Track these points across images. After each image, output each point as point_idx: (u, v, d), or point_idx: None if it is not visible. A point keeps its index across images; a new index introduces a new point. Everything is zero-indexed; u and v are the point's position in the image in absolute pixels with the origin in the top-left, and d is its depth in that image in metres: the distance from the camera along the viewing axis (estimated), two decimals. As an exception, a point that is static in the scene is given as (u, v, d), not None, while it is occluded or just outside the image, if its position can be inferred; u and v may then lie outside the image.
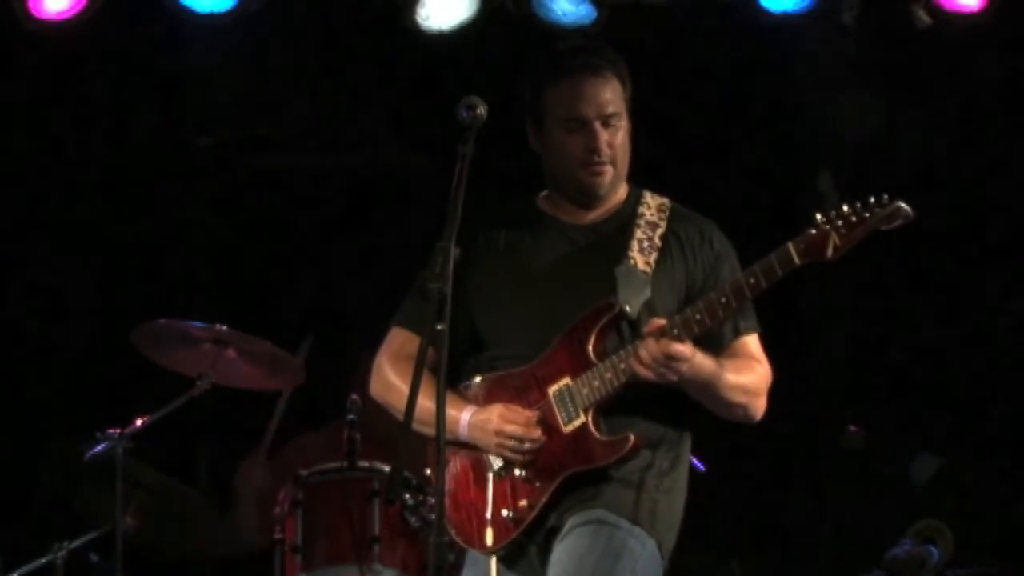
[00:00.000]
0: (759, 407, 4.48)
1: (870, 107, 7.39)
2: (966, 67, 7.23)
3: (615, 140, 4.48)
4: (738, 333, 4.45)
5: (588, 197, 4.53)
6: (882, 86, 7.39)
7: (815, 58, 7.24)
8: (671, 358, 4.23)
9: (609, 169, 4.49)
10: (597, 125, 4.45)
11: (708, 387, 4.36)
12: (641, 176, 4.62)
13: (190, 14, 6.85)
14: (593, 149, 4.45)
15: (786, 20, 6.85)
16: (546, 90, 4.51)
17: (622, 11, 6.88)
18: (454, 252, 4.04)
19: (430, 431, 4.14)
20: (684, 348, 4.23)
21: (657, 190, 4.63)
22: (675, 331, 4.25)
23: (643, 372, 4.26)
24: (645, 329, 4.28)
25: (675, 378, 4.27)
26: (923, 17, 6.82)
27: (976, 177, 7.44)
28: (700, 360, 4.31)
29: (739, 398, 4.42)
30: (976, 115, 7.37)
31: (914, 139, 7.43)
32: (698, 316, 4.26)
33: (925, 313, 7.55)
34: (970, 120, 7.37)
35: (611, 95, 4.47)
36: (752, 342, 4.50)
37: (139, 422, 5.89)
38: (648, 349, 4.23)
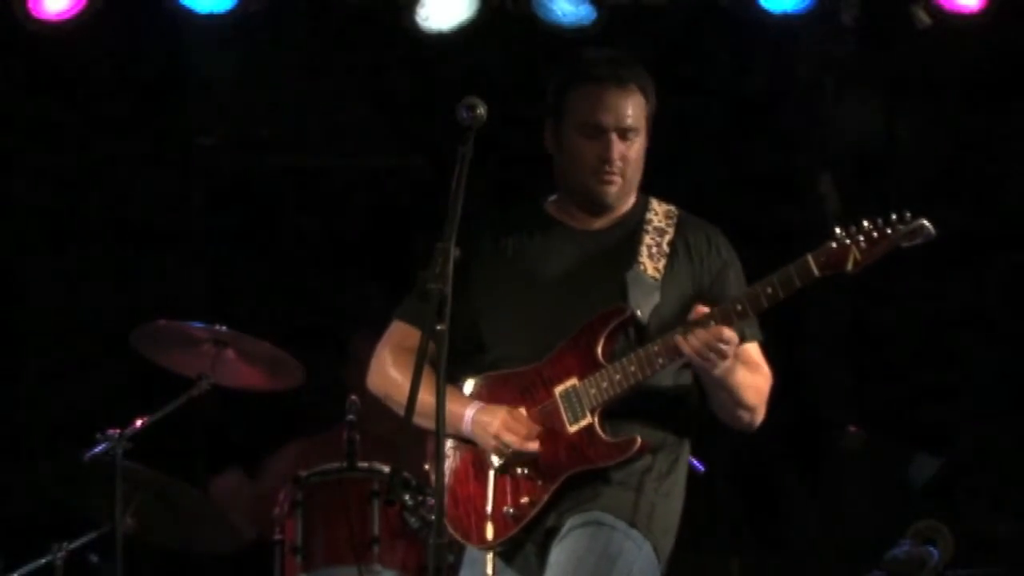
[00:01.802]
0: (761, 414, 4.50)
1: (870, 107, 7.39)
2: (966, 68, 7.22)
3: (629, 153, 4.48)
4: (744, 339, 4.45)
5: (595, 205, 4.54)
6: (882, 86, 7.39)
7: (815, 58, 7.24)
8: (723, 342, 4.23)
9: (618, 180, 4.49)
10: (614, 136, 4.45)
11: (730, 383, 4.36)
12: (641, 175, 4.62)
13: (190, 14, 6.86)
14: (606, 159, 4.45)
15: (786, 20, 6.85)
16: (569, 92, 4.52)
17: (622, 11, 6.88)
18: (454, 252, 4.04)
19: (430, 424, 4.14)
20: (733, 333, 4.25)
21: (657, 190, 4.63)
22: (715, 320, 4.26)
23: (688, 351, 4.26)
24: (691, 315, 4.29)
25: (723, 363, 4.26)
26: (923, 17, 6.82)
27: (976, 178, 7.44)
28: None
29: (752, 399, 4.44)
30: (976, 115, 7.36)
31: (914, 139, 7.43)
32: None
33: (926, 313, 7.55)
34: (970, 120, 7.37)
35: (633, 109, 4.47)
36: (755, 349, 4.51)
37: (139, 423, 5.89)
38: (698, 336, 4.24)
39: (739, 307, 4.26)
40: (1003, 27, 6.87)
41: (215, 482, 6.62)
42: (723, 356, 4.25)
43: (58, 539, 6.05)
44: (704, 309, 4.29)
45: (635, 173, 4.52)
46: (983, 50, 7.11)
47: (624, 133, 4.46)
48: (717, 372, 4.29)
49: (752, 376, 4.43)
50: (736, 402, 4.41)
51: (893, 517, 7.07)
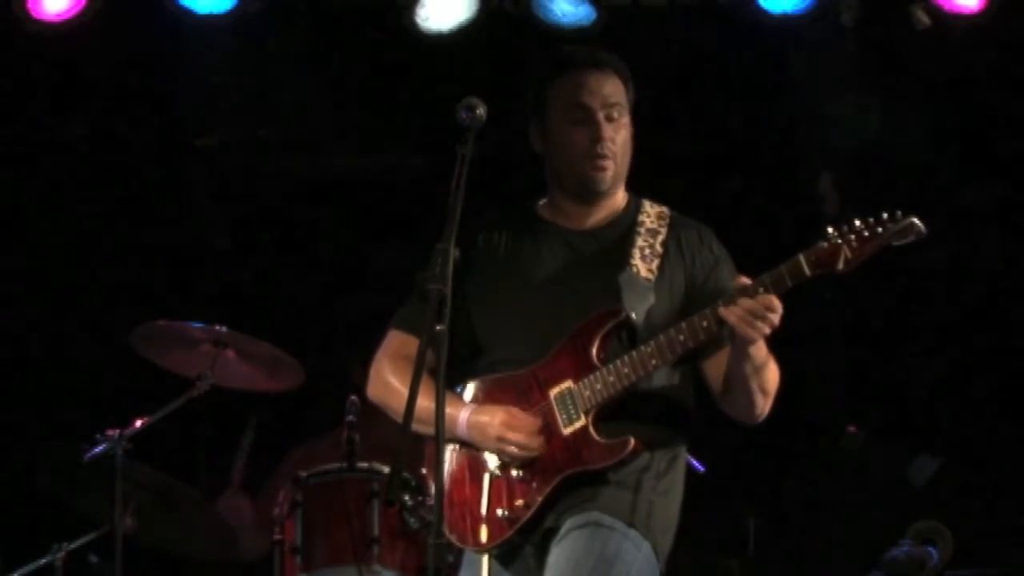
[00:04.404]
0: (770, 404, 4.48)
1: (869, 108, 7.39)
2: (966, 68, 7.22)
3: (618, 136, 4.49)
4: None
5: (590, 192, 4.53)
6: (881, 87, 7.39)
7: (815, 59, 7.24)
8: (770, 310, 4.19)
9: (611, 164, 4.49)
10: (601, 116, 4.47)
11: (762, 364, 4.33)
12: (639, 176, 4.63)
13: (190, 14, 6.87)
14: (597, 139, 4.46)
15: (786, 21, 6.86)
16: (550, 84, 4.54)
17: (622, 11, 6.89)
18: (453, 253, 4.05)
19: (428, 430, 4.14)
20: (777, 301, 4.22)
21: (655, 191, 4.64)
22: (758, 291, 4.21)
23: (733, 320, 4.21)
24: (735, 285, 4.25)
25: (767, 331, 4.22)
26: (923, 18, 6.83)
27: (976, 178, 7.44)
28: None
29: (770, 386, 4.42)
30: (976, 116, 7.36)
31: (913, 140, 7.43)
32: (704, 323, 4.28)
33: (925, 313, 7.55)
34: (969, 121, 7.37)
35: (614, 90, 4.50)
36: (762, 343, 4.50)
37: (138, 423, 5.90)
38: (744, 305, 4.19)
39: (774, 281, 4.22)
40: (1003, 27, 6.88)
41: (220, 501, 6.63)
42: (771, 324, 4.21)
43: (58, 539, 6.06)
44: (746, 280, 4.26)
45: (625, 158, 4.52)
46: (983, 50, 7.11)
47: (610, 114, 4.47)
48: (763, 336, 4.23)
49: (771, 362, 4.41)
50: (760, 386, 4.37)
51: (893, 517, 7.07)
